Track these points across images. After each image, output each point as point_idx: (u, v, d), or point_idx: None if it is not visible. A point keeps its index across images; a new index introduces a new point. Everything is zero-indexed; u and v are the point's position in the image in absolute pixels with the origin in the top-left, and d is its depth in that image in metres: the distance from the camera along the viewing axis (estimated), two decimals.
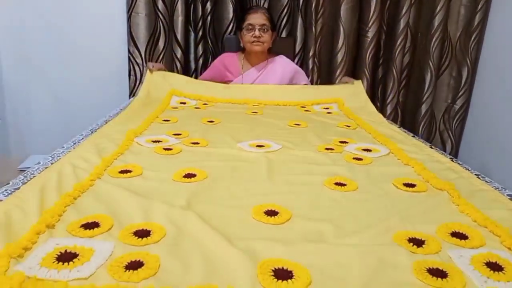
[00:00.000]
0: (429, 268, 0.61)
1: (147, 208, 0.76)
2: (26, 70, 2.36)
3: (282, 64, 2.06)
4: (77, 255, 0.60)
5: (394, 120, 2.36)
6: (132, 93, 2.29)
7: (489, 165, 2.23)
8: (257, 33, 1.93)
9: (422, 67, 2.37)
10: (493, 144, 2.29)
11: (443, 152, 1.22)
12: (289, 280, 0.56)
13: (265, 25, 1.94)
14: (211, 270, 0.58)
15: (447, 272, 0.60)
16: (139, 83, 2.29)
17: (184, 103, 1.77)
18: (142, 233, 0.67)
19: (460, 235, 0.72)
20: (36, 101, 2.42)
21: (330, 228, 0.72)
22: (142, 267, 0.58)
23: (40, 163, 0.97)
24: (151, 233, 0.67)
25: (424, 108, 2.41)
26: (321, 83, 2.38)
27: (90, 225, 0.69)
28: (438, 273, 0.60)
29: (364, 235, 0.71)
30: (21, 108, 2.42)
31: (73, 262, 0.58)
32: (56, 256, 0.60)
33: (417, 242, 0.68)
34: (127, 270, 0.57)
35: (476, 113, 2.47)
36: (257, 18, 1.94)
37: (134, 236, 0.66)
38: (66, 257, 0.59)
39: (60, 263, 0.58)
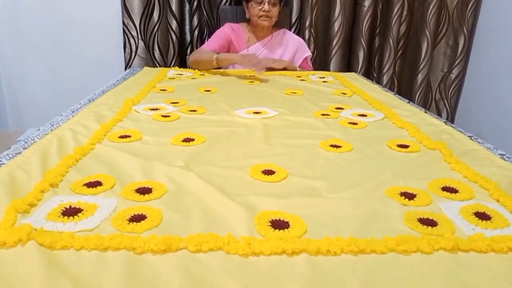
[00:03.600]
0: (420, 218, 0.64)
1: (147, 168, 0.78)
2: (20, 43, 2.35)
3: (286, 38, 2.02)
4: (82, 210, 0.62)
5: (391, 90, 2.37)
6: (128, 65, 2.28)
7: (484, 134, 2.26)
8: (266, 7, 1.85)
9: (419, 36, 2.37)
10: (488, 113, 2.31)
11: (438, 117, 1.24)
12: (285, 229, 0.59)
13: None
14: (211, 222, 0.61)
15: (437, 221, 0.63)
16: (135, 55, 2.28)
17: (181, 74, 1.77)
18: (144, 190, 0.69)
19: (450, 189, 0.74)
20: (32, 75, 2.42)
21: (325, 184, 0.75)
22: (145, 220, 0.60)
23: (40, 129, 0.99)
24: (152, 190, 0.70)
25: (420, 77, 2.43)
26: (317, 55, 2.38)
27: (93, 184, 0.71)
28: (428, 222, 0.63)
29: (357, 190, 0.73)
30: (17, 82, 2.42)
31: (78, 216, 0.61)
32: (62, 211, 0.62)
33: (409, 196, 0.71)
34: (131, 223, 0.59)
35: (471, 82, 2.49)
36: None
37: (136, 193, 0.69)
38: (71, 211, 0.62)
39: (66, 217, 0.60)
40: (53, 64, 2.41)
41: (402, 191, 0.72)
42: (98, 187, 0.70)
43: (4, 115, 2.45)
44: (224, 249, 0.54)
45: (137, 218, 0.61)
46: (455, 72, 2.48)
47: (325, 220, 0.62)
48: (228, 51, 1.94)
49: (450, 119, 2.55)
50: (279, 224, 0.60)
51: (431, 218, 0.64)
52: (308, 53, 2.04)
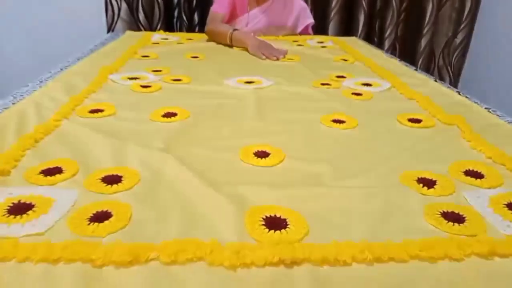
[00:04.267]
0: (443, 211, 0.53)
1: (119, 150, 0.66)
2: None
3: (289, 2, 1.83)
4: (33, 206, 0.51)
5: (392, 55, 2.23)
6: (110, 29, 2.11)
7: (488, 101, 2.15)
8: None
9: None
10: (494, 82, 2.19)
11: (450, 86, 1.12)
12: (282, 230, 0.48)
13: None
14: (191, 221, 0.50)
15: (464, 216, 0.52)
16: (117, 18, 2.11)
17: (166, 39, 1.62)
18: (112, 179, 0.58)
19: (475, 174, 0.63)
20: (7, 40, 2.24)
21: (329, 170, 0.63)
22: (110, 219, 0.49)
23: None
24: (122, 178, 0.58)
25: (423, 42, 2.29)
26: (315, 17, 2.21)
27: (52, 171, 0.59)
28: (454, 217, 0.52)
29: (366, 176, 0.62)
30: None
31: (28, 214, 0.49)
32: (8, 208, 0.50)
33: (428, 183, 0.60)
34: (91, 223, 0.48)
35: (477, 48, 2.35)
36: None
37: (102, 182, 0.57)
38: (20, 208, 0.50)
39: (12, 216, 0.49)
40: (29, 29, 2.23)
41: (420, 177, 0.61)
42: (57, 175, 0.58)
43: None
44: (206, 260, 0.43)
45: (100, 217, 0.49)
46: (460, 36, 2.34)
47: (330, 217, 0.52)
48: (230, 15, 1.75)
49: (453, 86, 2.42)
50: (274, 223, 0.49)
51: (456, 211, 0.53)
52: (310, 19, 1.86)
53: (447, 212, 0.53)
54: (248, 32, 1.61)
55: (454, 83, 2.43)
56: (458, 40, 2.33)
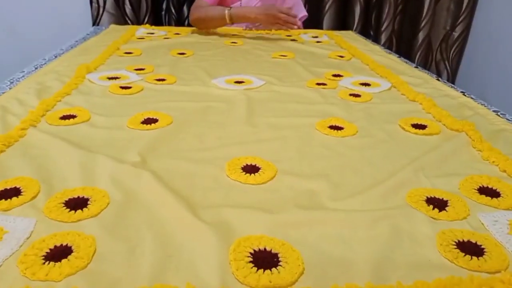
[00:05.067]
0: (458, 241, 0.46)
1: (88, 165, 0.58)
2: None
3: None
4: None
5: (389, 50, 2.16)
6: (96, 22, 2.01)
7: (489, 99, 2.08)
8: None
9: None
10: (493, 76, 2.13)
11: (453, 85, 1.05)
12: (273, 269, 0.41)
13: None
14: (166, 257, 0.42)
15: (483, 247, 0.45)
16: (103, 11, 2.01)
17: (152, 33, 1.53)
18: (77, 203, 0.50)
19: (490, 192, 0.56)
20: None
21: (326, 187, 0.56)
22: (69, 257, 0.41)
23: None
24: (89, 202, 0.50)
25: (421, 36, 2.22)
26: (309, 10, 2.12)
27: (8, 193, 0.51)
28: (471, 248, 0.45)
29: (369, 195, 0.55)
30: None
31: None
32: None
33: (439, 204, 0.53)
34: (47, 262, 0.40)
35: (476, 41, 2.28)
36: None
37: (65, 207, 0.49)
38: None
39: None
40: (11, 22, 2.12)
41: (429, 196, 0.54)
42: (13, 199, 0.50)
43: None
44: None
45: (58, 254, 0.42)
46: (458, 30, 2.26)
47: (329, 249, 0.44)
48: (220, 4, 1.61)
49: (451, 82, 2.36)
50: (264, 260, 0.42)
51: (473, 241, 0.46)
52: (303, 12, 1.77)
53: (463, 241, 0.46)
54: (246, 6, 1.52)
55: (452, 77, 2.36)
56: (456, 33, 2.26)
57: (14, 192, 0.52)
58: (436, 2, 2.17)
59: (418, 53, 2.24)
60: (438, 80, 1.08)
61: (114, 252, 0.43)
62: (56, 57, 1.17)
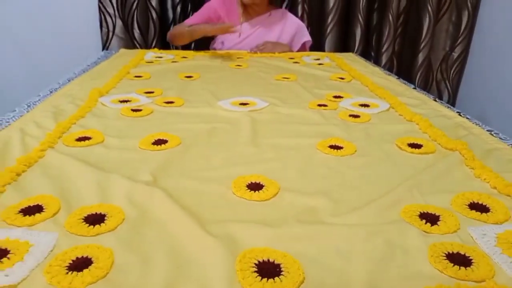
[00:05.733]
0: (448, 252, 0.50)
1: (104, 184, 0.63)
2: None
3: (285, 19, 1.80)
4: (8, 252, 0.47)
5: (390, 71, 2.21)
6: (106, 46, 2.09)
7: (489, 118, 2.12)
8: None
9: (420, 12, 2.20)
10: (493, 96, 2.17)
11: (449, 106, 1.09)
12: (276, 278, 0.44)
13: None
14: (178, 268, 0.46)
15: (471, 258, 0.49)
16: (113, 35, 2.09)
17: (161, 57, 1.59)
18: (95, 219, 0.54)
19: (480, 207, 0.60)
20: (1, 58, 2.21)
21: (326, 203, 0.60)
22: (90, 267, 0.45)
23: None
24: (106, 218, 0.54)
25: (421, 57, 2.27)
26: (311, 33, 2.19)
27: (31, 210, 0.56)
28: (460, 259, 0.49)
29: (366, 210, 0.59)
30: None
31: (2, 262, 0.46)
32: None
33: (431, 219, 0.56)
34: (70, 272, 0.44)
35: (475, 62, 2.33)
36: None
37: (84, 223, 0.53)
38: None
39: None
40: (24, 46, 2.20)
41: (422, 212, 0.58)
42: (36, 215, 0.55)
43: None
44: None
45: (80, 264, 0.46)
46: (457, 50, 2.32)
47: (328, 261, 0.48)
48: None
49: (452, 100, 2.40)
50: (268, 270, 0.46)
51: (462, 253, 0.50)
52: (307, 38, 1.83)
53: (453, 253, 0.50)
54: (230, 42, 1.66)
55: (452, 97, 2.40)
56: (455, 54, 2.32)
57: (37, 209, 0.56)
58: (435, 24, 2.24)
59: (419, 73, 2.29)
60: (435, 101, 1.13)
61: (130, 263, 0.47)
62: (69, 80, 1.23)
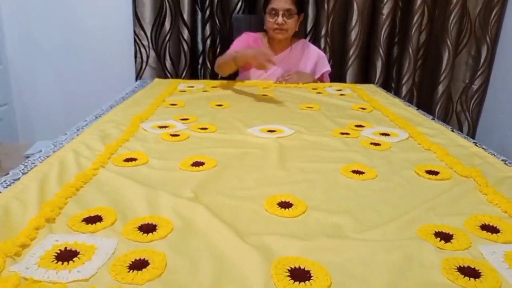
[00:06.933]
0: (460, 266, 0.56)
1: (152, 199, 0.71)
2: (31, 53, 2.33)
3: (306, 50, 1.91)
4: (78, 253, 0.56)
5: (410, 102, 2.28)
6: (139, 75, 2.23)
7: (509, 150, 2.15)
8: (280, 20, 1.73)
9: (440, 45, 2.28)
10: (511, 127, 2.20)
11: (466, 136, 1.15)
12: (306, 282, 0.51)
13: (290, 10, 1.74)
14: (221, 270, 0.54)
15: (479, 271, 0.55)
16: (146, 65, 2.24)
17: (192, 87, 1.71)
18: (148, 228, 0.62)
19: (491, 228, 0.66)
20: (42, 85, 2.39)
21: (349, 221, 0.67)
22: (147, 267, 0.53)
23: (41, 151, 0.93)
24: (157, 227, 0.63)
25: (441, 88, 2.33)
26: (334, 65, 2.29)
27: (92, 219, 0.65)
28: (470, 272, 0.55)
29: (386, 228, 0.65)
30: (27, 92, 2.40)
31: (73, 261, 0.54)
32: (55, 254, 0.55)
33: (445, 237, 0.63)
34: (131, 271, 0.52)
35: (494, 93, 2.38)
36: (281, 2, 1.73)
37: (138, 231, 0.62)
38: (66, 255, 0.55)
39: (60, 262, 0.54)
40: (64, 74, 2.38)
41: (437, 231, 0.64)
42: (97, 223, 0.63)
43: (14, 126, 2.42)
44: None
45: (139, 265, 0.54)
46: (477, 83, 2.38)
47: (352, 269, 0.55)
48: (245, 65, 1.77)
49: (472, 131, 2.44)
50: (299, 275, 0.53)
51: (472, 266, 0.56)
52: (327, 67, 1.93)
53: (464, 266, 0.56)
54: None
55: (472, 129, 2.44)
56: (475, 86, 2.37)
57: (97, 218, 0.65)
58: (454, 57, 2.31)
59: (439, 105, 2.35)
60: (452, 131, 1.19)
61: (180, 266, 0.54)
62: (111, 107, 1.35)
